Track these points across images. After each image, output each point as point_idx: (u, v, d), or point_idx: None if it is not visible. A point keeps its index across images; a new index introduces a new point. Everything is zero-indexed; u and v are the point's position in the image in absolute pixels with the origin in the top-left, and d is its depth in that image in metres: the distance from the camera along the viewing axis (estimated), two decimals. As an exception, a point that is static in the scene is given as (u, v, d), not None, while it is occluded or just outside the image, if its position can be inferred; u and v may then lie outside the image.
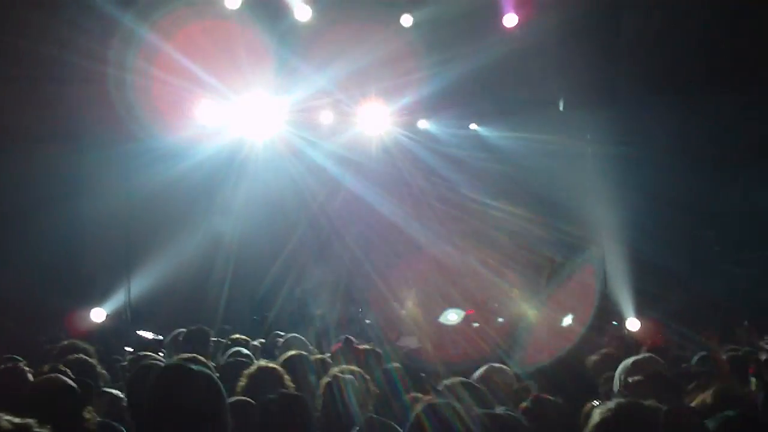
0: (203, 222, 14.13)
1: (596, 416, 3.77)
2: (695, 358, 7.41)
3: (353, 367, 5.81)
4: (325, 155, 14.99)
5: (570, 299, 12.12)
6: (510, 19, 13.81)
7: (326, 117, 14.58)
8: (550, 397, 4.88)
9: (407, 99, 14.29)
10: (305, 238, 15.39)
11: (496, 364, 6.28)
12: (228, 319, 12.61)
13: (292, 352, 6.74)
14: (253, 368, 5.68)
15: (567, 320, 11.58)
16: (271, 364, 5.80)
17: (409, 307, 13.58)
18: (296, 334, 9.10)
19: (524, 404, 4.77)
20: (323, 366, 6.92)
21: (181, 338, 9.38)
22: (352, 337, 8.98)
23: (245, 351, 7.79)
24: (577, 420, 4.53)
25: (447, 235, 15.41)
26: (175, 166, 13.17)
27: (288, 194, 14.85)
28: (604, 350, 7.77)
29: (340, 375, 5.43)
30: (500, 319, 13.11)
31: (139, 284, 13.54)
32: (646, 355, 5.57)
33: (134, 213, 13.18)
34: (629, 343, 9.81)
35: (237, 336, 9.20)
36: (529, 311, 12.36)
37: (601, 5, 13.67)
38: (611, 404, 3.81)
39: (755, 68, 13.00)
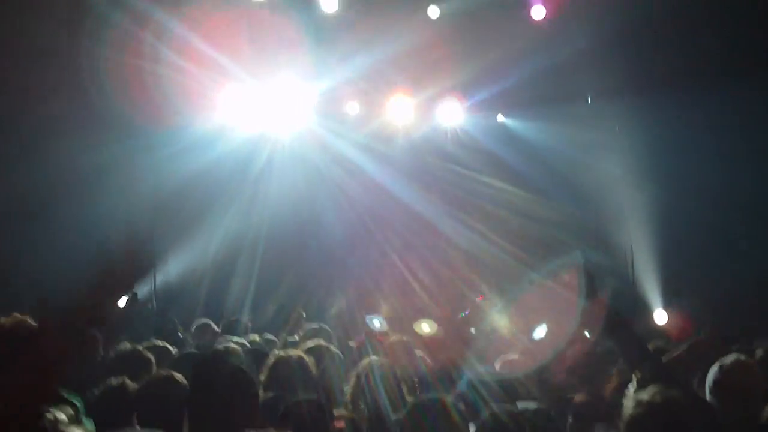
0: (230, 212, 14.15)
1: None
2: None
3: (382, 359, 5.72)
4: (352, 147, 14.99)
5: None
6: (538, 12, 13.74)
7: (352, 108, 14.60)
8: None
9: (433, 90, 14.22)
10: (333, 231, 15.36)
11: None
12: (254, 309, 12.64)
13: (315, 342, 6.72)
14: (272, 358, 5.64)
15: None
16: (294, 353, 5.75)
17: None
18: (323, 325, 9.10)
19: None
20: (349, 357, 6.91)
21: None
22: (374, 325, 8.99)
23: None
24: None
25: (475, 227, 15.35)
26: (203, 156, 13.23)
27: (315, 186, 14.87)
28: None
29: (372, 365, 5.34)
30: None
31: (165, 274, 13.59)
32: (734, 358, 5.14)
33: (162, 202, 13.20)
34: (658, 336, 9.68)
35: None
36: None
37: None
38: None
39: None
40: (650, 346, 7.42)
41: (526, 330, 7.18)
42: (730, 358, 4.94)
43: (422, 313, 13.09)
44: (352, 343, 8.81)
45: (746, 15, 12.59)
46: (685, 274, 13.11)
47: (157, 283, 13.64)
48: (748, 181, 13.06)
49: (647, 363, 4.31)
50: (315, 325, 8.95)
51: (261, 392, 4.77)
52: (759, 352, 6.59)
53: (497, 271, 14.15)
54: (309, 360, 5.50)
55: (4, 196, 10.99)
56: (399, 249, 15.26)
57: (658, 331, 10.96)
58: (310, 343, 6.76)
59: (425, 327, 9.55)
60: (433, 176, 15.97)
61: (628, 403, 3.63)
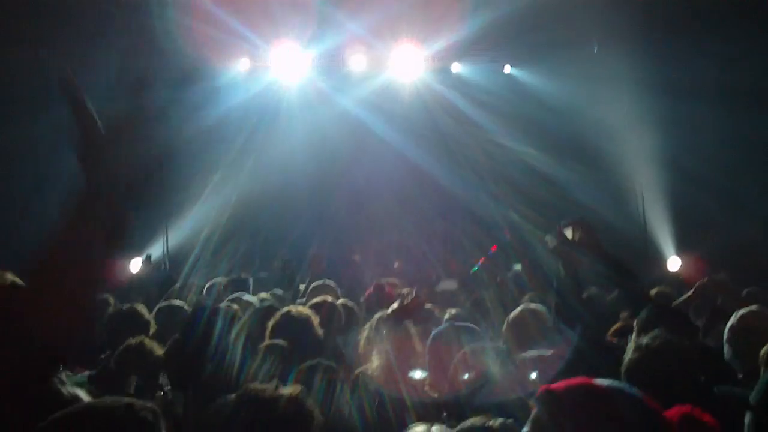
0: (237, 169, 14.14)
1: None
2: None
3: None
4: (357, 103, 14.93)
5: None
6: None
7: (358, 63, 14.49)
8: None
9: (440, 43, 14.09)
10: (339, 187, 15.33)
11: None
12: (264, 266, 12.68)
13: (321, 298, 6.70)
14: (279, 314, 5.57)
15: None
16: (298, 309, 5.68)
17: None
18: (328, 280, 9.04)
19: None
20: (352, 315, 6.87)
21: (222, 287, 9.52)
22: (383, 282, 8.90)
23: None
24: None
25: (482, 185, 15.31)
26: (211, 113, 13.21)
27: (320, 142, 14.79)
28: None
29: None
30: None
31: (177, 233, 13.65)
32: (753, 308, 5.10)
33: (172, 159, 13.17)
34: (675, 282, 9.66)
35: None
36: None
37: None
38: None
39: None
40: (656, 291, 7.53)
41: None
42: (747, 308, 4.93)
43: (434, 269, 13.13)
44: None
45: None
46: (699, 219, 13.02)
47: (170, 244, 13.70)
48: (757, 121, 12.93)
49: (647, 308, 4.29)
50: (319, 282, 8.86)
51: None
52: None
53: (511, 230, 14.15)
54: (314, 318, 5.48)
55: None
56: (405, 209, 15.21)
57: (670, 277, 10.96)
58: (317, 299, 6.75)
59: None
60: (440, 132, 15.85)
61: (629, 349, 3.62)
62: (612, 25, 13.07)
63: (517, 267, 12.05)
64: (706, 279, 6.83)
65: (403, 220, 15.14)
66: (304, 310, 5.60)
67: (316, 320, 5.43)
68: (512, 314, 5.55)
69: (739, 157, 13.22)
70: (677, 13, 13.26)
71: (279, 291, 9.33)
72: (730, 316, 4.97)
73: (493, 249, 13.28)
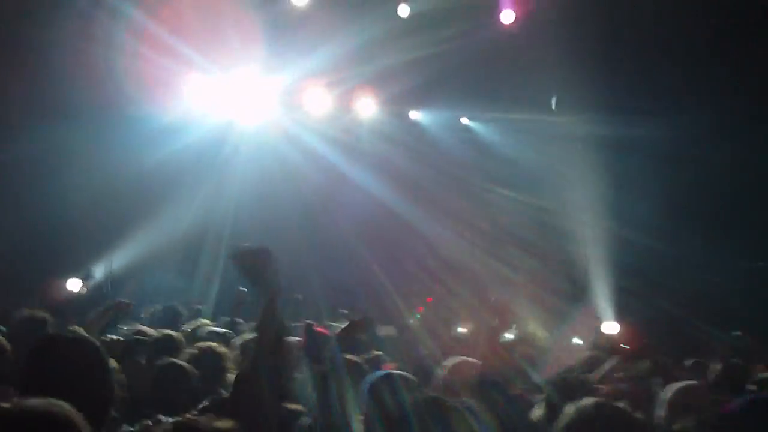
0: (192, 201, 14.03)
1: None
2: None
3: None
4: (317, 141, 14.94)
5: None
6: (507, 16, 13.78)
7: (318, 102, 14.48)
8: None
9: (400, 88, 14.21)
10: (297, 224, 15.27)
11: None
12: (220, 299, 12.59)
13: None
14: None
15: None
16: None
17: None
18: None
19: None
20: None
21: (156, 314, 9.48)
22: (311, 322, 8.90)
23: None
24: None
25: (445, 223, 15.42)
26: (165, 145, 13.13)
27: (279, 177, 14.72)
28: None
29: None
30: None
31: (122, 258, 13.48)
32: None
33: (123, 189, 13.08)
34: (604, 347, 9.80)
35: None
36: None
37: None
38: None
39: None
40: (588, 355, 7.68)
41: None
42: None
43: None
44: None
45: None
46: (636, 289, 13.29)
47: (114, 268, 13.52)
48: (704, 206, 13.32)
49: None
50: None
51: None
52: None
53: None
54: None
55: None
56: (362, 240, 15.22)
57: (605, 343, 11.06)
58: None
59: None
60: (396, 169, 15.88)
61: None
62: (571, 86, 13.35)
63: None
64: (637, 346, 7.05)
65: (356, 257, 15.10)
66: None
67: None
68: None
69: (685, 225, 13.56)
70: (638, 81, 13.56)
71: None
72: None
73: (429, 300, 13.40)
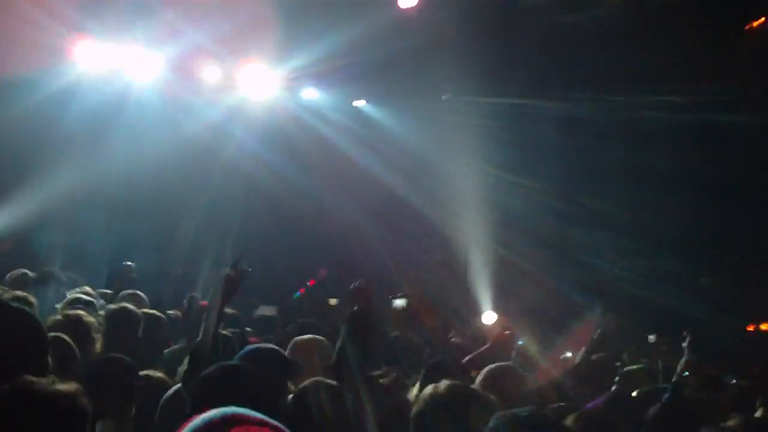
0: (75, 163, 13.50)
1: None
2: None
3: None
4: (208, 115, 14.61)
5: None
6: (406, 0, 13.63)
7: (208, 75, 14.11)
8: None
9: (293, 64, 13.98)
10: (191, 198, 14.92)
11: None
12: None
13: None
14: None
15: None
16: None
17: None
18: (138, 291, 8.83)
19: None
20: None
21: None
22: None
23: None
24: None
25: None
26: (53, 111, 12.66)
27: (173, 148, 14.28)
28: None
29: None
30: None
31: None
32: None
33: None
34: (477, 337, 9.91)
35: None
36: None
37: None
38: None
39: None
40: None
41: None
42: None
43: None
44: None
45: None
46: (513, 278, 13.47)
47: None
48: (588, 195, 13.48)
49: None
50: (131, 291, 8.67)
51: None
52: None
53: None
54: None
55: None
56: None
57: (479, 332, 11.12)
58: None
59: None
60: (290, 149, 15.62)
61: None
62: (463, 76, 13.35)
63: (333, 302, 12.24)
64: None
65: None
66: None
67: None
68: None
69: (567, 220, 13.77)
70: (532, 79, 13.63)
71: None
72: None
73: (311, 283, 13.48)
